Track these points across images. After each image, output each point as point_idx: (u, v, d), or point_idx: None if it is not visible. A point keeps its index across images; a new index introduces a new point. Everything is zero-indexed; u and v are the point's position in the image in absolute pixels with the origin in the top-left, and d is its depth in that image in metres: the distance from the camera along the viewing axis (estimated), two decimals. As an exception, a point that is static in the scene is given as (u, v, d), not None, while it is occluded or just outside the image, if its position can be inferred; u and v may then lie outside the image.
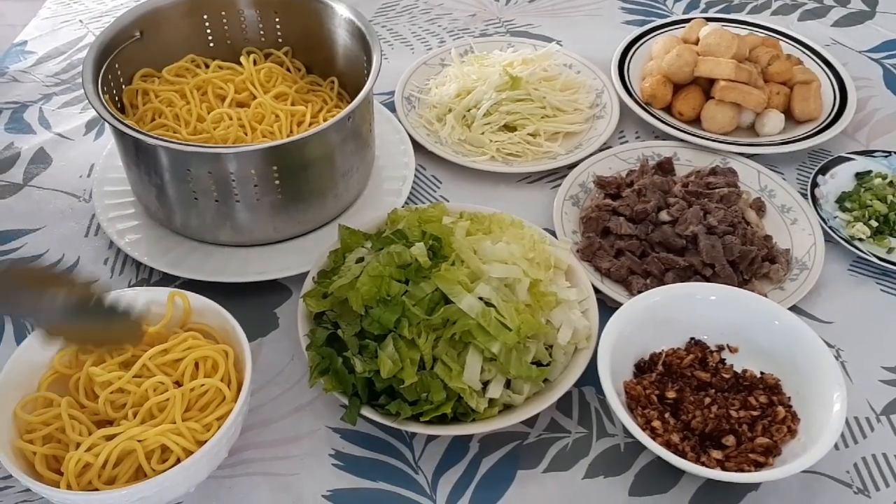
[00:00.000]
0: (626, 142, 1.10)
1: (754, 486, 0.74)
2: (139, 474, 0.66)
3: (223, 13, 1.00)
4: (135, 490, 0.63)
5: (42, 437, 0.69)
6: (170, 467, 0.65)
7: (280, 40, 1.04)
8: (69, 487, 0.64)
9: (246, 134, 0.91)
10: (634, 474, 0.75)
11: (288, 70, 1.02)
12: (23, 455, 0.67)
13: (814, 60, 1.17)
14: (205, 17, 1.00)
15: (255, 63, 0.99)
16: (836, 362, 0.76)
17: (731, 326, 0.82)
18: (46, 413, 0.69)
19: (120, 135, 0.83)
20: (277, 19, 1.02)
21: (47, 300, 0.63)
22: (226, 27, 1.01)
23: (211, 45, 1.02)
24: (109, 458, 0.66)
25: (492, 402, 0.74)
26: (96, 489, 0.65)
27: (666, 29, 1.22)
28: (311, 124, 0.95)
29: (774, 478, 0.69)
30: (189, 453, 0.66)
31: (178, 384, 0.71)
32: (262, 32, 1.03)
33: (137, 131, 0.80)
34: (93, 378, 0.72)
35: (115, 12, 1.29)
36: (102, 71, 0.89)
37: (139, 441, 0.66)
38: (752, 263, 0.89)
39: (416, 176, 1.02)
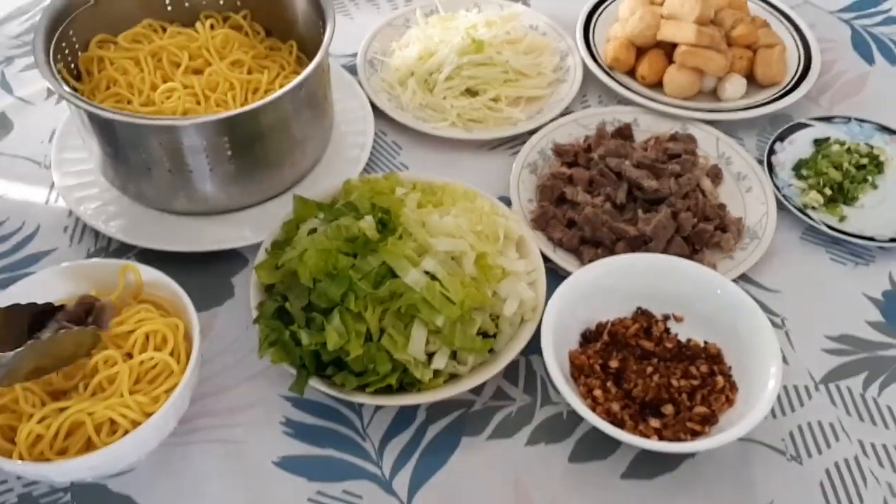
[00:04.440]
0: (589, 107, 1.10)
1: (691, 454, 0.77)
2: (90, 446, 0.68)
3: (180, -25, 1.00)
4: (84, 460, 0.66)
5: (-4, 407, 0.71)
6: (118, 439, 0.67)
7: (238, 3, 1.03)
8: (21, 458, 0.67)
9: (199, 103, 0.91)
10: (575, 441, 0.78)
11: (246, 34, 1.02)
12: (-22, 426, 0.70)
13: (781, 22, 1.16)
14: (161, -21, 0.99)
15: (212, 27, 0.99)
16: (774, 334, 0.77)
17: (676, 296, 0.84)
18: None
19: (72, 105, 0.84)
20: (235, -18, 1.01)
21: None
22: (183, -10, 1.01)
23: (168, 8, 1.01)
24: (60, 429, 0.68)
25: (437, 372, 0.76)
26: (48, 460, 0.68)
27: (634, -12, 1.21)
28: (266, 91, 0.95)
29: (706, 448, 0.71)
30: (137, 425, 0.68)
31: (130, 355, 0.73)
32: (220, -5, 1.02)
33: (87, 103, 0.80)
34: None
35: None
36: (56, 38, 0.89)
37: (89, 414, 0.68)
38: (703, 234, 0.90)
39: (376, 142, 1.03)
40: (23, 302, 0.73)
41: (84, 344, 0.71)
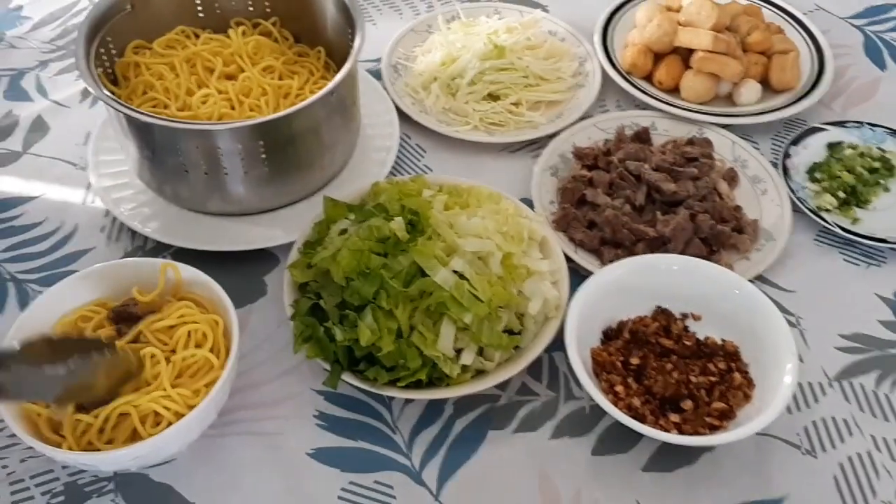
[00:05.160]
0: (608, 111, 1.13)
1: (710, 447, 0.80)
2: (135, 437, 0.72)
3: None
4: (130, 450, 0.69)
5: (47, 399, 0.74)
6: (162, 430, 0.70)
7: (268, 10, 1.06)
8: (70, 448, 0.70)
9: (233, 108, 0.94)
10: (598, 435, 0.81)
11: (276, 40, 1.05)
12: (28, 416, 0.73)
13: (794, 28, 1.19)
14: (193, -13, 1.02)
15: (243, 34, 1.02)
16: (790, 332, 0.79)
17: (694, 295, 0.86)
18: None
19: (111, 109, 0.87)
20: (265, -11, 1.04)
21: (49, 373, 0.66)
22: (214, -3, 1.04)
23: (200, 15, 1.05)
24: (108, 421, 0.71)
25: (465, 368, 0.79)
26: (96, 449, 0.71)
27: (651, -5, 1.23)
28: (297, 97, 0.98)
29: (724, 442, 0.74)
30: (180, 416, 0.71)
31: (173, 351, 0.76)
32: (249, 2, 1.05)
33: (127, 107, 0.83)
34: (93, 343, 0.77)
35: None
36: (95, 44, 0.92)
37: (134, 406, 0.71)
38: (720, 235, 0.93)
39: (400, 145, 1.05)
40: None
41: (129, 370, 0.72)
